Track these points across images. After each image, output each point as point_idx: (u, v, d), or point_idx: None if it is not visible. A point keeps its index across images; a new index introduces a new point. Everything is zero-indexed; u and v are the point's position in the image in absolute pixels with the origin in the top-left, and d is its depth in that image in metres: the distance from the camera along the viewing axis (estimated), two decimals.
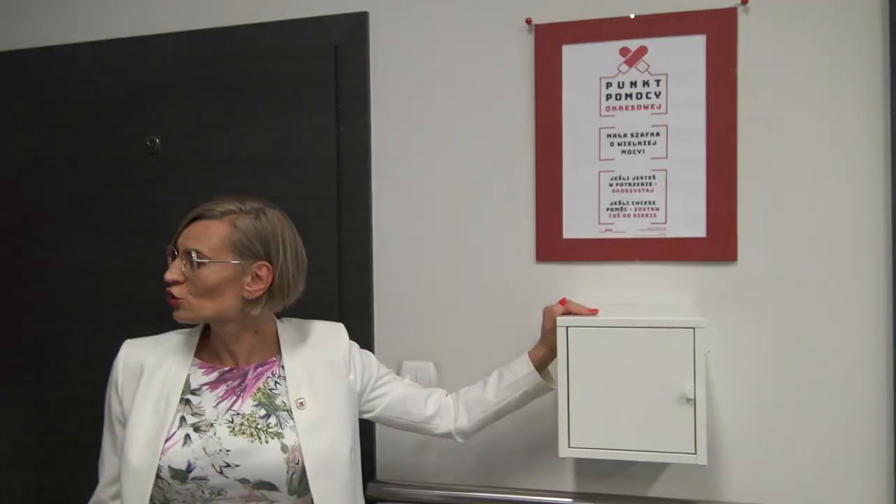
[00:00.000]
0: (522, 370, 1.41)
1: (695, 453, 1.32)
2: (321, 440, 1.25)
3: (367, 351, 1.46)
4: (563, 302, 1.41)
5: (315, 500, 1.22)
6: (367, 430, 1.64)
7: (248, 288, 1.26)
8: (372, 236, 1.71)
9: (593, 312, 1.38)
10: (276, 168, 1.72)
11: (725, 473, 1.54)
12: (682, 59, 1.53)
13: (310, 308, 1.66)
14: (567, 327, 1.36)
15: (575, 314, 1.39)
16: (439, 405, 1.45)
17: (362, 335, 1.68)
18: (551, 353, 1.41)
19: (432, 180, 1.68)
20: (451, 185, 1.67)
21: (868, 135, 1.46)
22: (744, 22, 1.50)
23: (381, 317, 1.71)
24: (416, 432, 1.47)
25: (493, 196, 1.64)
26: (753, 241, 1.51)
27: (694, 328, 1.32)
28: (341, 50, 1.69)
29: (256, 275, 1.26)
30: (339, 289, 1.70)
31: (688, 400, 1.31)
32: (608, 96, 1.57)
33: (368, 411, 1.43)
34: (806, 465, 1.50)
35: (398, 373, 1.67)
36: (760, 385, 1.52)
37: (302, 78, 1.71)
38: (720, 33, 1.51)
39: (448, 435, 1.45)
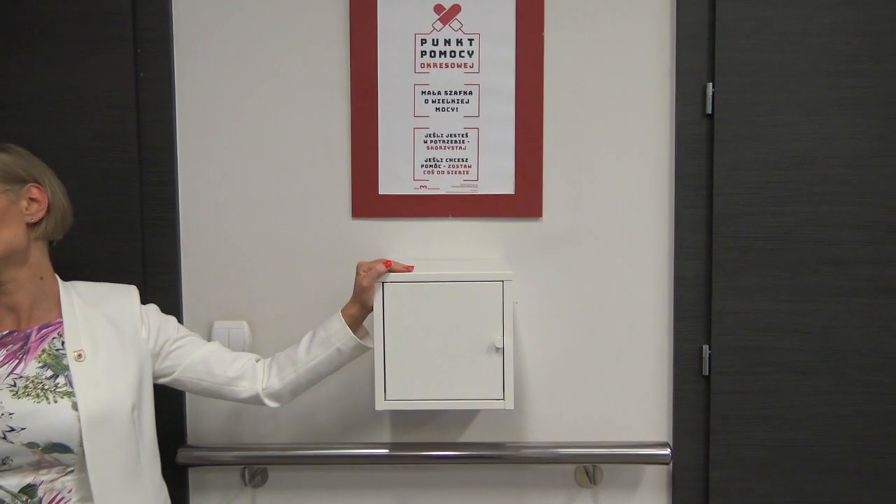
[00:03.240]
0: (334, 326, 1.39)
1: (503, 399, 1.40)
2: (98, 393, 1.21)
3: (169, 316, 1.40)
4: (387, 264, 1.39)
5: (87, 454, 1.17)
6: (176, 397, 1.58)
7: (27, 212, 1.23)
8: (178, 191, 1.60)
9: (409, 269, 1.40)
10: (62, 115, 1.55)
11: (531, 416, 1.65)
12: (494, 19, 1.57)
13: (109, 268, 1.55)
14: (383, 283, 1.38)
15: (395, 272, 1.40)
16: (245, 368, 1.39)
17: (169, 296, 1.59)
18: (364, 311, 1.41)
19: (243, 133, 1.60)
20: (264, 139, 1.60)
21: (657, 100, 1.59)
22: None
23: (189, 276, 1.62)
24: (219, 397, 1.40)
25: (308, 150, 1.60)
26: (556, 199, 1.61)
27: (503, 281, 1.38)
28: None
29: (31, 198, 1.24)
30: (143, 247, 1.58)
31: (497, 349, 1.39)
32: (423, 53, 1.57)
33: (167, 374, 1.36)
34: (601, 402, 1.64)
35: (210, 333, 1.60)
36: (561, 332, 1.63)
37: (92, 14, 1.54)
38: None
39: (256, 399, 1.39)
